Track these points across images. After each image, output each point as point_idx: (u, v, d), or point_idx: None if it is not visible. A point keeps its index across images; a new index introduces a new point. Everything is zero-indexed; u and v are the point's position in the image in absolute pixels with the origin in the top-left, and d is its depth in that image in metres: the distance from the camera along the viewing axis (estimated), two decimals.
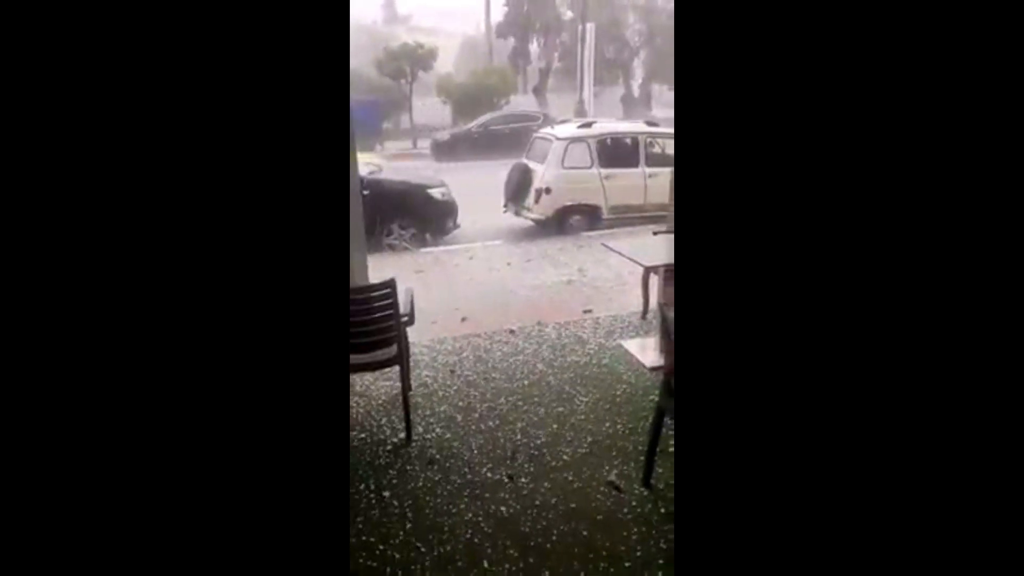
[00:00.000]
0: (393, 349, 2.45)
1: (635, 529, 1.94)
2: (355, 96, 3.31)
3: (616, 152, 6.57)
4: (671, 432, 2.23)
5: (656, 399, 2.31)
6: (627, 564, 1.80)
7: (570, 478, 2.22)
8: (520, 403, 2.79)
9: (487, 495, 2.13)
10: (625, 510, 2.04)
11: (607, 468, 2.27)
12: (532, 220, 6.57)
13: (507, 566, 1.80)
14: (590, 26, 16.18)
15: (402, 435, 2.53)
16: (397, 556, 1.85)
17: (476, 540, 1.91)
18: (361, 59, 17.08)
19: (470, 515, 2.03)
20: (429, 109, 18.53)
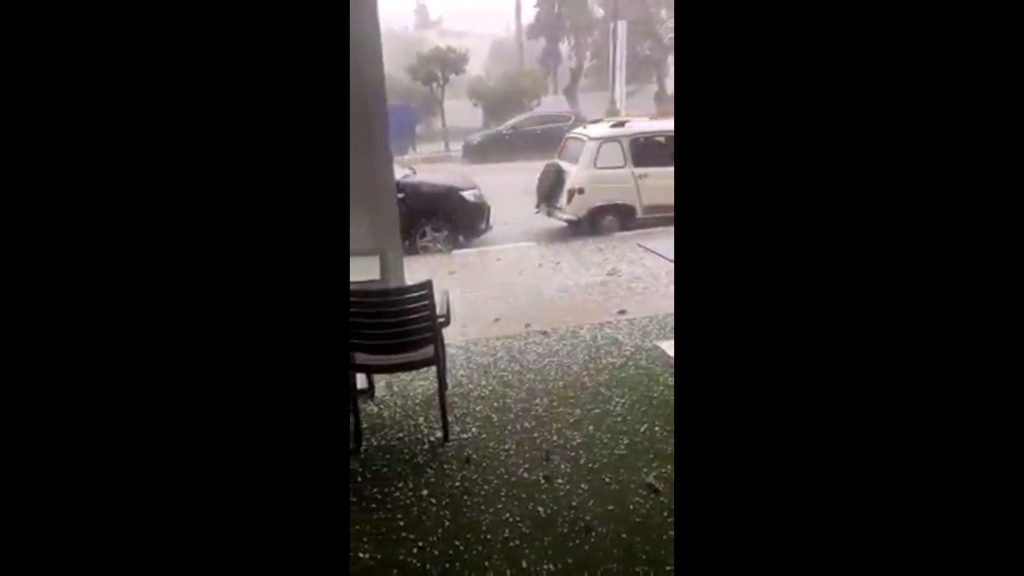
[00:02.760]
0: (430, 349, 2.48)
1: (673, 532, 1.92)
2: (390, 101, 3.36)
3: (650, 151, 6.48)
4: None
5: None
6: (668, 568, 1.78)
7: (607, 480, 2.21)
8: (555, 404, 2.78)
9: (524, 495, 2.14)
10: (664, 513, 2.01)
11: (645, 470, 2.25)
12: (565, 221, 6.54)
13: (545, 566, 1.80)
14: (621, 24, 16.01)
15: (439, 434, 2.56)
16: (436, 553, 1.88)
17: (514, 540, 1.92)
18: (394, 64, 17.34)
19: (507, 515, 2.04)
20: (461, 111, 18.68)
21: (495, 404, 2.81)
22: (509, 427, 2.61)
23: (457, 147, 15.84)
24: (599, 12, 22.46)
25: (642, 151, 6.43)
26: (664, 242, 3.93)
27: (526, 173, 8.08)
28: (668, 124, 7.06)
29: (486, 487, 2.20)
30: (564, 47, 23.32)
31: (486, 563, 1.83)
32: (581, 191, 6.30)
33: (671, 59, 22.74)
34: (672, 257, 3.31)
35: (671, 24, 22.05)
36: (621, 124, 6.78)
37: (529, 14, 23.59)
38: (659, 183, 6.36)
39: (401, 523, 2.02)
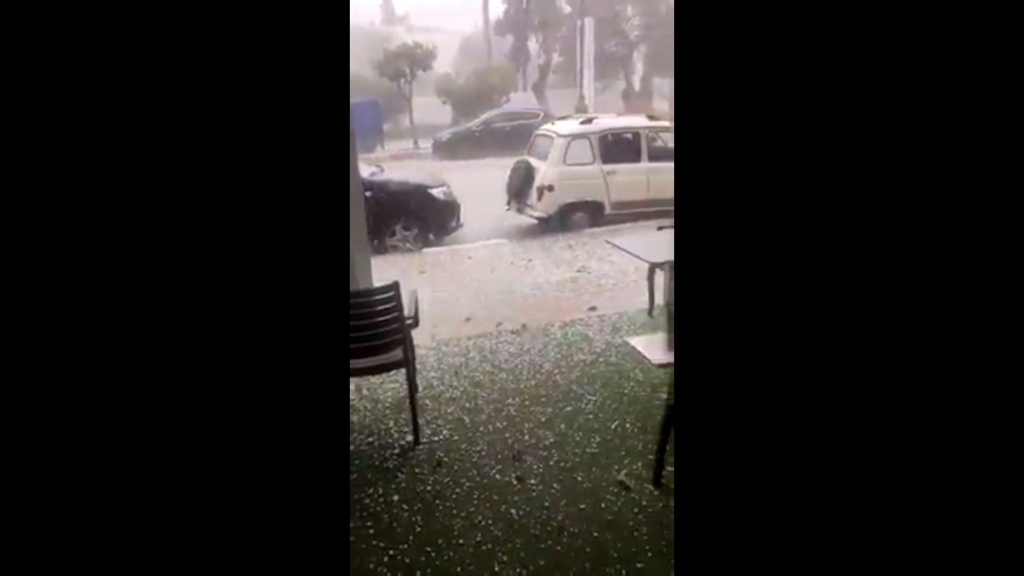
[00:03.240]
0: (399, 352, 2.44)
1: (646, 529, 1.93)
2: (354, 98, 3.30)
3: (618, 148, 6.54)
4: None
5: (665, 396, 2.28)
6: (639, 565, 1.78)
7: (579, 478, 2.21)
8: (527, 403, 2.77)
9: (496, 497, 2.12)
10: (636, 510, 2.02)
11: (617, 468, 2.26)
12: (535, 218, 6.54)
13: (518, 570, 1.79)
14: (588, 21, 16.10)
15: (409, 438, 2.52)
16: (407, 561, 1.84)
17: (486, 544, 1.90)
18: (360, 60, 17.05)
19: (480, 518, 2.02)
20: (429, 108, 18.50)
21: (466, 405, 2.79)
22: (481, 428, 2.59)
23: (426, 144, 15.69)
24: (566, 9, 22.52)
25: (610, 148, 6.47)
26: (631, 238, 3.95)
27: (496, 170, 8.05)
28: (635, 121, 7.13)
29: (458, 490, 2.18)
30: (532, 44, 23.32)
31: (458, 569, 1.81)
32: (551, 188, 6.30)
33: (637, 55, 23.00)
34: (639, 253, 3.33)
35: (637, 22, 22.28)
36: (589, 121, 6.81)
37: (497, 10, 23.52)
38: (627, 179, 6.42)
39: (371, 531, 1.98)
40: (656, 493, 2.10)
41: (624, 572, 1.76)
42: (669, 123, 6.75)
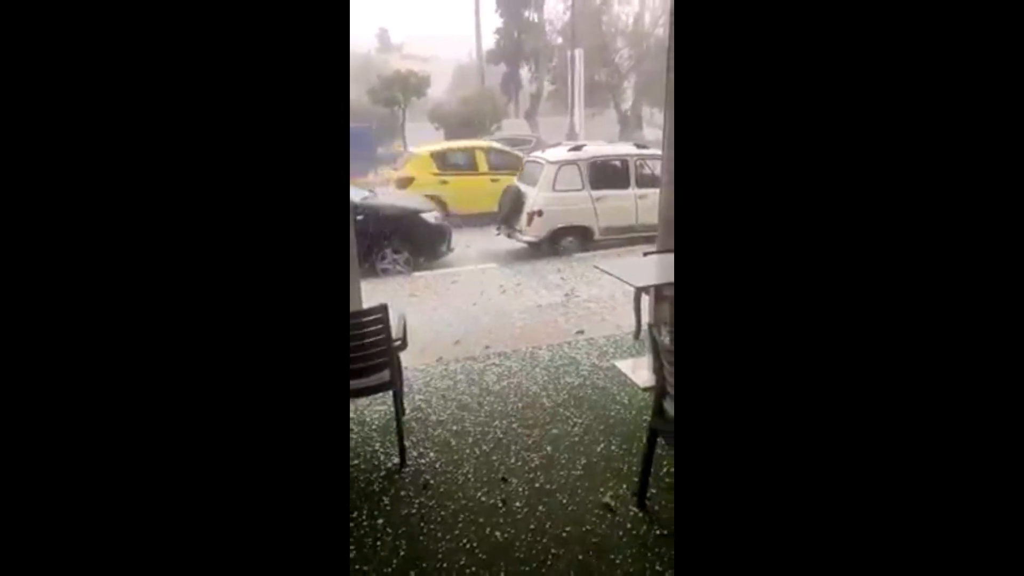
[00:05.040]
0: (386, 374, 2.45)
1: (630, 551, 1.93)
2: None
3: (606, 174, 6.66)
4: (664, 452, 2.23)
5: (650, 419, 2.31)
6: None
7: (564, 501, 2.21)
8: (514, 426, 2.78)
9: (481, 520, 2.12)
10: (620, 532, 2.03)
11: (602, 490, 2.27)
12: (525, 242, 6.62)
13: None
14: (579, 51, 16.51)
15: (396, 460, 2.52)
16: None
17: (471, 567, 1.89)
18: (355, 87, 17.29)
19: (464, 541, 2.01)
20: (423, 134, 18.74)
21: (453, 428, 2.79)
22: (467, 451, 2.59)
23: None
24: (557, 39, 23.09)
25: (599, 174, 6.60)
26: (619, 263, 4.01)
27: None
28: (623, 148, 7.28)
29: (443, 513, 2.17)
30: (524, 73, 23.82)
31: None
32: (540, 213, 6.40)
33: (627, 85, 23.51)
34: (626, 278, 3.38)
35: (626, 52, 22.85)
36: (579, 148, 6.95)
37: (490, 40, 24.06)
38: (615, 205, 6.53)
39: (355, 555, 1.96)
40: (640, 515, 2.11)
41: None
42: (657, 151, 6.89)
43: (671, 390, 1.97)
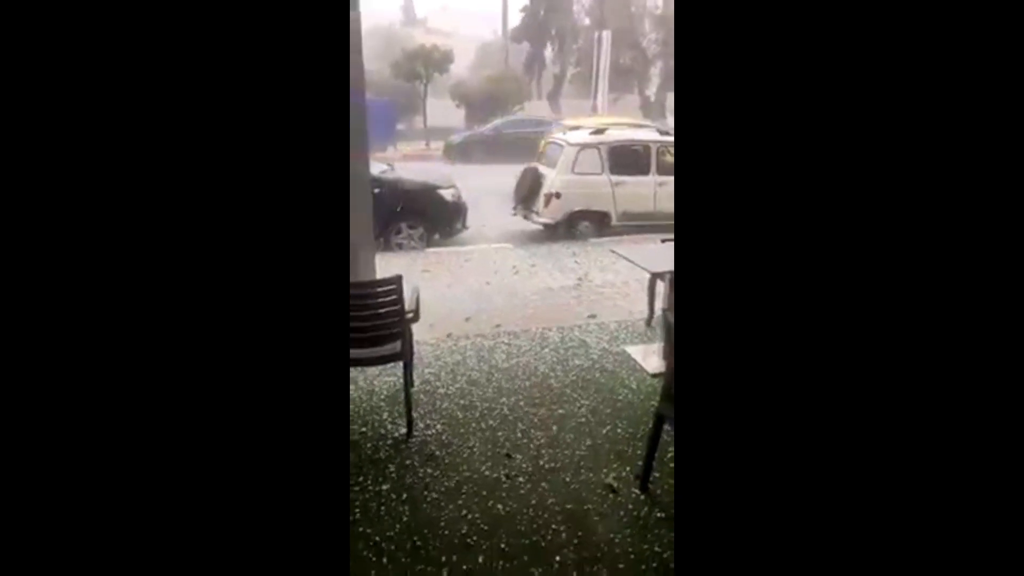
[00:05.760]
0: (397, 345, 2.48)
1: (629, 531, 1.95)
2: (371, 96, 3.35)
3: (627, 159, 6.58)
4: (670, 438, 2.24)
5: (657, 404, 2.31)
6: (620, 566, 1.81)
7: (567, 479, 2.24)
8: (521, 404, 2.80)
9: (484, 493, 2.15)
10: (620, 513, 2.05)
11: (605, 471, 2.28)
12: (541, 224, 6.58)
13: (501, 563, 1.82)
14: (606, 33, 16.22)
15: (403, 431, 2.56)
16: (393, 548, 1.87)
17: (472, 537, 1.93)
18: (378, 60, 17.22)
19: (466, 511, 2.05)
20: (443, 111, 18.64)
21: (461, 402, 2.82)
22: (474, 425, 2.62)
23: (438, 146, 15.79)
24: (585, 20, 22.68)
25: (619, 159, 6.52)
26: (635, 249, 3.98)
27: (506, 175, 8.10)
28: (645, 134, 7.18)
29: (447, 484, 2.21)
30: (549, 53, 23.47)
31: (443, 558, 1.83)
32: (558, 195, 6.35)
33: (653, 70, 23.09)
34: (641, 263, 3.36)
35: (654, 36, 22.39)
36: (600, 131, 6.86)
37: (515, 18, 23.70)
38: (634, 191, 6.46)
39: (359, 517, 2.01)
40: (642, 497, 2.13)
41: (604, 571, 1.79)
42: None
43: None
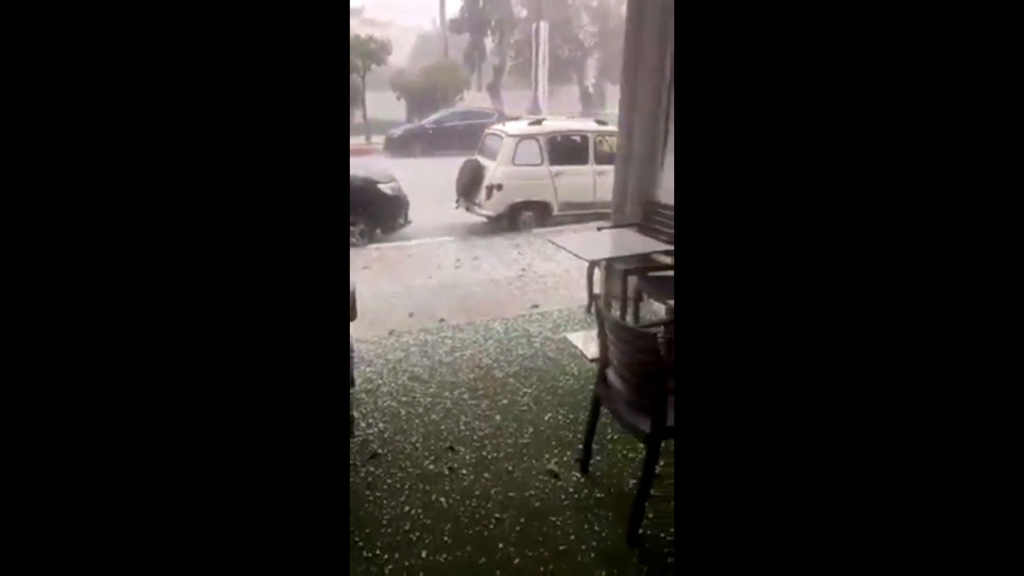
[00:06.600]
0: None
1: (570, 514, 2.00)
2: None
3: (566, 150, 6.66)
4: (608, 420, 2.30)
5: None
6: (561, 548, 1.85)
7: (510, 468, 2.26)
8: (465, 396, 2.81)
9: (427, 487, 2.15)
10: (562, 496, 2.09)
11: (547, 457, 2.33)
12: (483, 216, 6.58)
13: (444, 556, 1.83)
14: (544, 25, 16.29)
15: None
16: None
17: (415, 532, 1.92)
18: None
19: (408, 508, 2.04)
20: (383, 104, 18.23)
21: (404, 399, 2.79)
22: (417, 421, 2.60)
23: (379, 140, 15.46)
24: (522, 12, 22.69)
25: (558, 150, 6.59)
26: (574, 238, 4.05)
27: (448, 168, 8.03)
28: (584, 124, 7.28)
29: (389, 480, 2.19)
30: (488, 44, 23.36)
31: (385, 556, 1.82)
32: (500, 187, 6.36)
33: (591, 61, 23.43)
34: (579, 252, 3.42)
35: (591, 28, 22.70)
36: (539, 123, 6.91)
37: (453, 8, 23.44)
38: (574, 181, 6.55)
39: None
40: (582, 480, 2.18)
41: (546, 554, 1.83)
42: (615, 127, 6.92)
43: (614, 360, 2.02)
